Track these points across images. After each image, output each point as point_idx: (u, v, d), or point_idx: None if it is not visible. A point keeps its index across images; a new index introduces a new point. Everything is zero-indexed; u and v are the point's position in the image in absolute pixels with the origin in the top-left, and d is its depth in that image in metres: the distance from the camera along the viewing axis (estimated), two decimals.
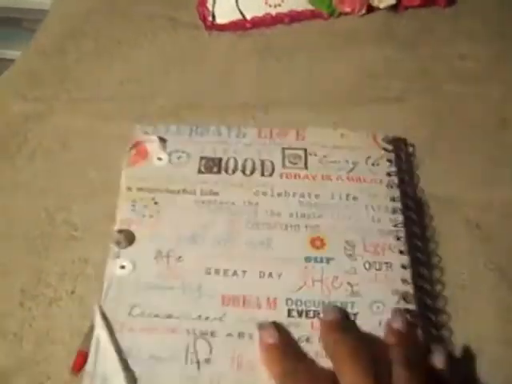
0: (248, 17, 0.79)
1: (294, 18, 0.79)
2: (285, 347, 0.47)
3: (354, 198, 0.56)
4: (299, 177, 0.58)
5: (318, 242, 0.53)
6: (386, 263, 0.52)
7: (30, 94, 0.70)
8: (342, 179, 0.58)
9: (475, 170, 0.61)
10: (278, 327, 0.48)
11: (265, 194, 0.57)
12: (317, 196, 0.56)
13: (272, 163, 0.59)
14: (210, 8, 0.78)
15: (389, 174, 0.58)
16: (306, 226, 0.54)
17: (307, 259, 0.52)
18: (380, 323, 0.48)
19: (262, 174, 0.58)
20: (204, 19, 0.79)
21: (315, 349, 0.47)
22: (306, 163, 0.59)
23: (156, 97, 0.69)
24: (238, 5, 0.78)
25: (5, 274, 0.53)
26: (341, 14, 0.79)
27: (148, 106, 0.68)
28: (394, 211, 0.55)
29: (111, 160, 0.62)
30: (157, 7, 0.82)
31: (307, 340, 0.47)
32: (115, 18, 0.81)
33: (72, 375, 0.46)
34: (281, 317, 0.48)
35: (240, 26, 0.79)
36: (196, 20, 0.79)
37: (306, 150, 0.60)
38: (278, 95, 0.69)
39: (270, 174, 0.58)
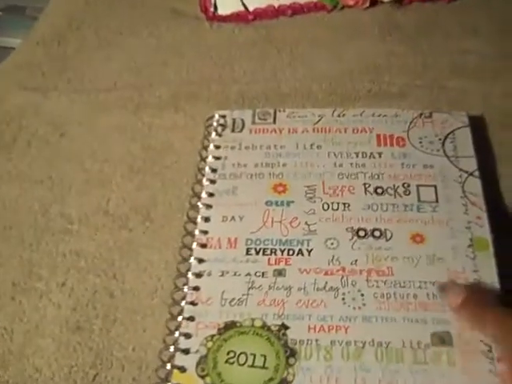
0: (250, 8, 0.78)
1: (297, 10, 0.78)
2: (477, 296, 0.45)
3: (318, 147, 0.58)
4: (267, 131, 0.61)
5: (280, 188, 0.55)
6: (344, 203, 0.54)
7: (28, 84, 0.70)
8: (308, 131, 0.60)
9: None
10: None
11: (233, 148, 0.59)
12: (282, 147, 0.59)
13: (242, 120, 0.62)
14: None
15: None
16: (270, 174, 0.56)
17: (268, 203, 0.54)
18: (333, 257, 0.50)
19: (233, 131, 0.61)
20: (206, 10, 0.78)
21: (269, 282, 0.49)
22: (274, 119, 0.61)
23: (155, 87, 0.69)
24: None
25: None
26: (344, 6, 0.78)
27: (146, 97, 0.68)
28: (357, 156, 0.57)
29: (108, 151, 0.62)
30: None
31: (263, 275, 0.49)
32: (116, 9, 0.80)
33: None
34: (239, 255, 0.51)
35: (242, 17, 0.78)
36: (197, 11, 0.78)
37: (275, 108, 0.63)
38: (278, 87, 0.68)
39: (240, 130, 0.61)
